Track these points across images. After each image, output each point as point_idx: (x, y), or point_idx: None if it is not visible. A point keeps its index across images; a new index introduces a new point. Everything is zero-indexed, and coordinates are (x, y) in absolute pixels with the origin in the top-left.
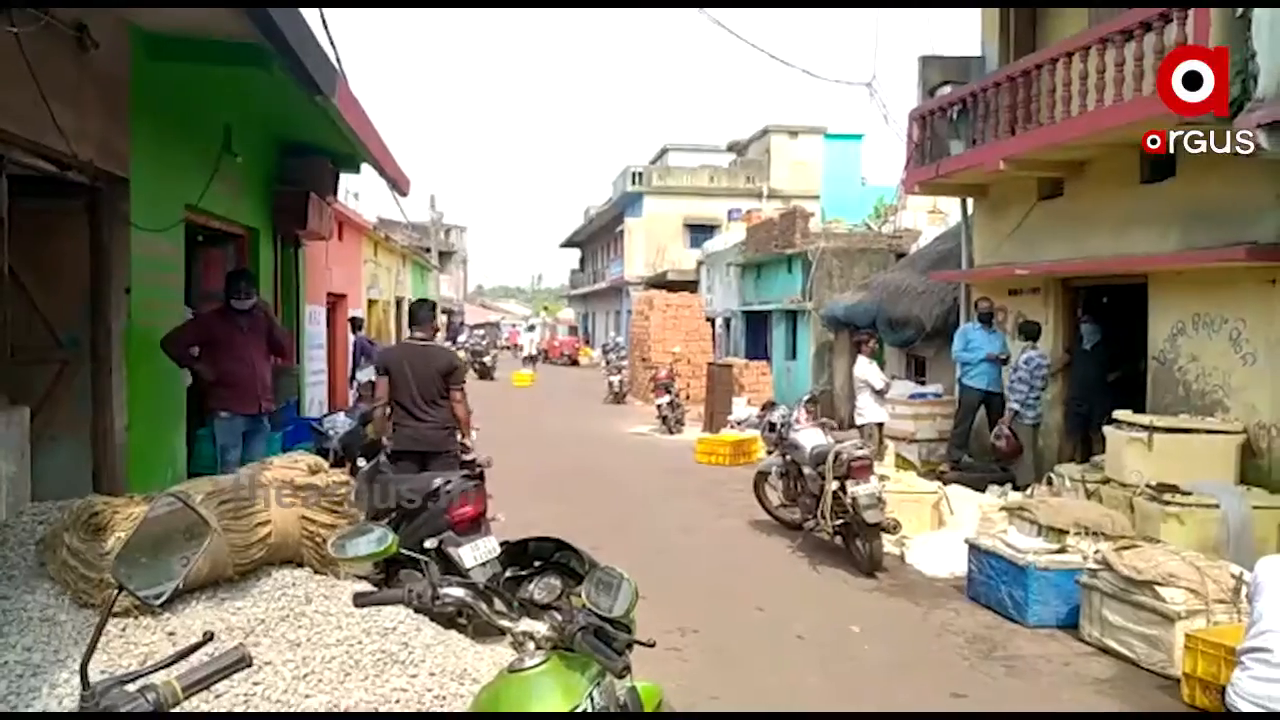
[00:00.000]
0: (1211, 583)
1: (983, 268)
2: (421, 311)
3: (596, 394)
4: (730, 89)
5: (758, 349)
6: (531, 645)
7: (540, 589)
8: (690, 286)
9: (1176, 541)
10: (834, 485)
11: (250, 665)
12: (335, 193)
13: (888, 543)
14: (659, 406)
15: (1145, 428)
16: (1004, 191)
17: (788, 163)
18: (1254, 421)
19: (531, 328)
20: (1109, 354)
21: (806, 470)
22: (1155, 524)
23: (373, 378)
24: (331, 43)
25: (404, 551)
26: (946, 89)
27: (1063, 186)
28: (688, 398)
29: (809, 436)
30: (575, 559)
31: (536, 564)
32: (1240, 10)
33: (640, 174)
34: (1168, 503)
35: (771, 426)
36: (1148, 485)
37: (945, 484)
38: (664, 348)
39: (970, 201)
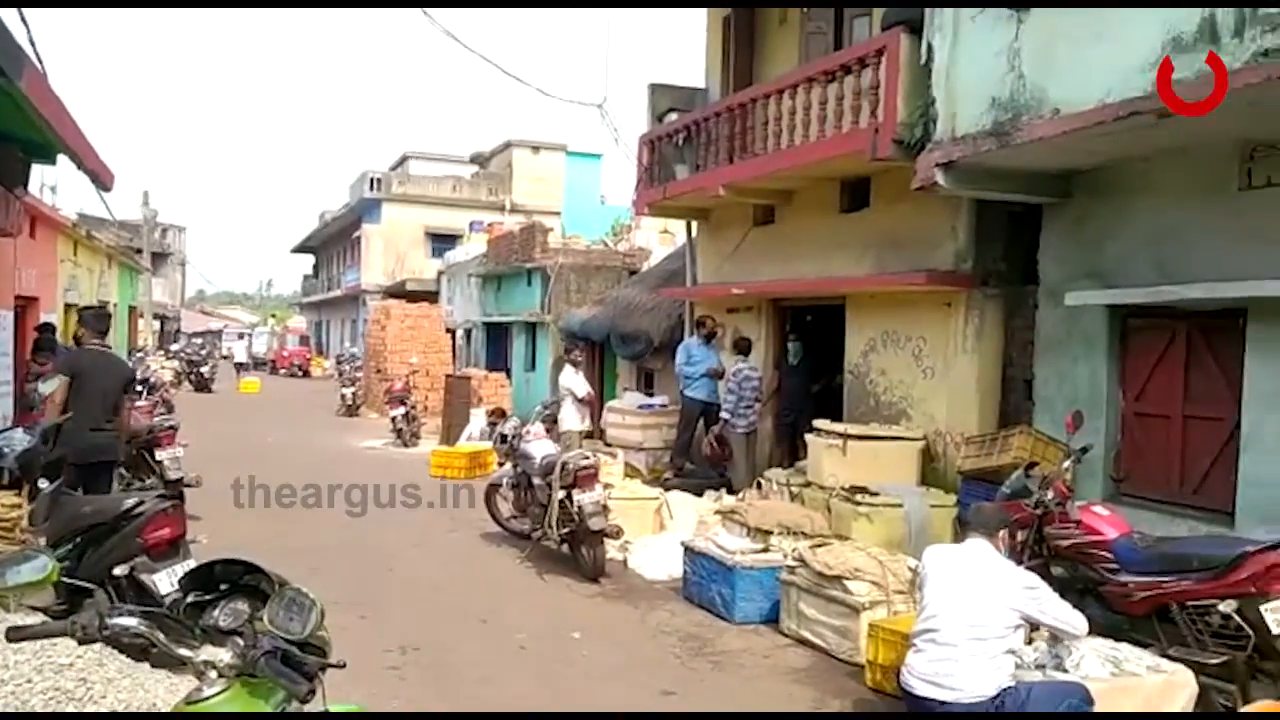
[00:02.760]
0: (892, 575)
1: (704, 286)
2: (101, 321)
3: (328, 406)
4: (474, 100)
5: (498, 360)
6: (214, 674)
7: (225, 614)
8: (431, 297)
9: (866, 539)
10: (561, 494)
11: None
12: (25, 185)
13: (612, 549)
14: (394, 419)
15: (840, 435)
16: (724, 215)
17: (530, 177)
18: (932, 429)
19: (242, 335)
20: (813, 368)
21: (536, 481)
22: (848, 523)
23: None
24: (24, 22)
25: (66, 579)
26: (673, 116)
27: (774, 213)
28: (426, 410)
29: (539, 447)
30: (265, 581)
31: (223, 587)
32: (924, 59)
33: (379, 180)
34: (859, 503)
35: (503, 438)
36: (842, 488)
37: (668, 490)
38: (401, 359)
39: (695, 224)
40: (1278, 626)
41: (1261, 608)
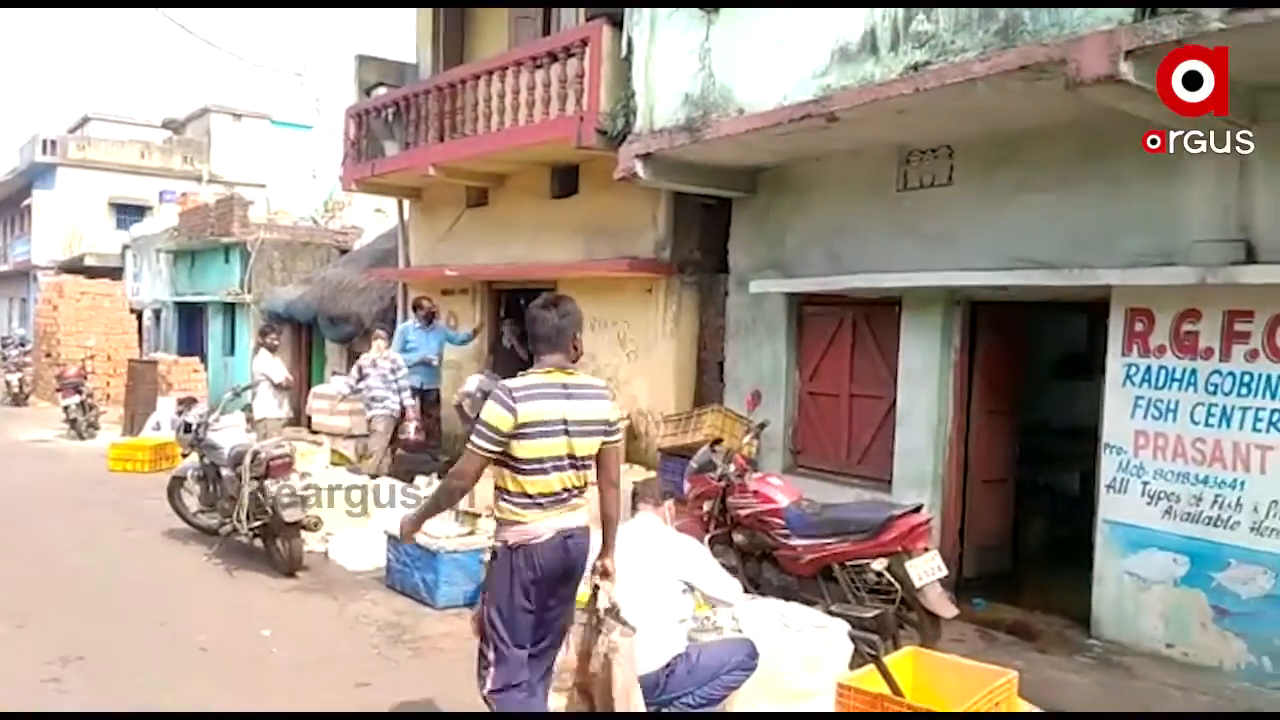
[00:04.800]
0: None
1: (418, 268)
2: None
3: None
4: (167, 61)
5: (192, 344)
6: None
7: None
8: (115, 273)
9: None
10: (252, 485)
11: None
12: None
13: (313, 540)
14: (67, 409)
15: None
16: (437, 196)
17: (231, 147)
18: (636, 409)
19: None
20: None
21: (225, 472)
22: None
23: None
24: None
25: None
26: (382, 90)
27: (488, 195)
28: (107, 398)
29: (228, 436)
30: None
31: None
32: (625, 53)
33: (54, 143)
34: None
35: (188, 427)
36: None
37: (376, 478)
38: (77, 342)
39: (407, 203)
40: (919, 580)
41: (906, 564)
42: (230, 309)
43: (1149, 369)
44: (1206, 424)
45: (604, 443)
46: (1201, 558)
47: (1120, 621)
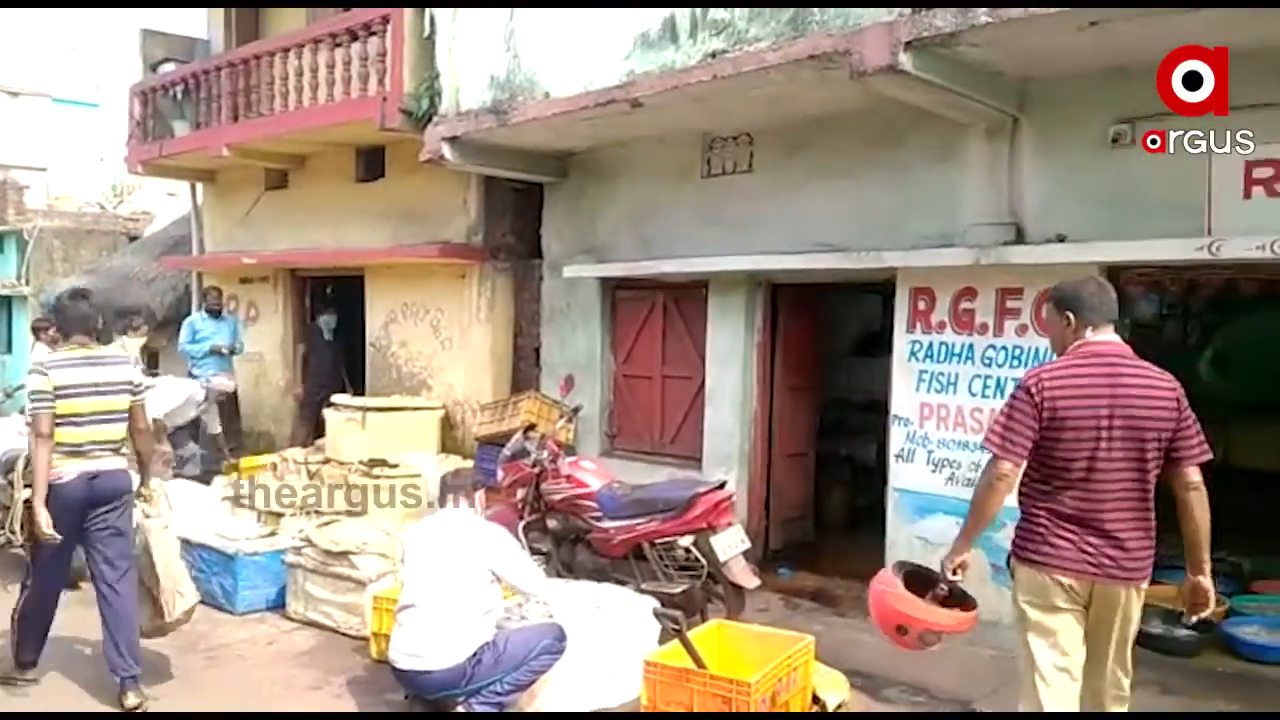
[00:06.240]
0: (400, 545)
1: (214, 255)
2: None
3: None
4: None
5: None
6: None
7: None
8: None
9: (387, 511)
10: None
11: None
12: None
13: None
14: None
15: (359, 409)
16: (233, 178)
17: (6, 126)
18: (451, 398)
19: None
20: (348, 343)
21: None
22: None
23: None
24: None
25: None
26: (170, 66)
27: (288, 178)
28: None
29: None
30: None
31: None
32: (428, 32)
33: None
34: (378, 476)
35: None
36: (361, 462)
37: (171, 478)
38: None
39: (200, 186)
40: (723, 554)
41: (711, 540)
42: (7, 303)
43: (931, 344)
44: (983, 395)
45: (131, 400)
46: None
47: None
